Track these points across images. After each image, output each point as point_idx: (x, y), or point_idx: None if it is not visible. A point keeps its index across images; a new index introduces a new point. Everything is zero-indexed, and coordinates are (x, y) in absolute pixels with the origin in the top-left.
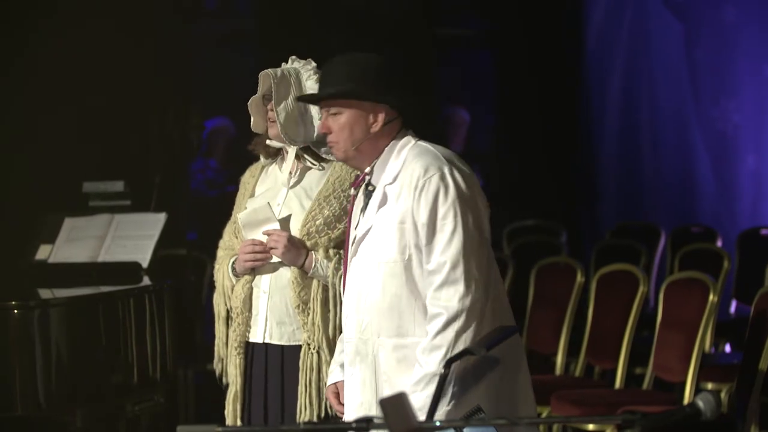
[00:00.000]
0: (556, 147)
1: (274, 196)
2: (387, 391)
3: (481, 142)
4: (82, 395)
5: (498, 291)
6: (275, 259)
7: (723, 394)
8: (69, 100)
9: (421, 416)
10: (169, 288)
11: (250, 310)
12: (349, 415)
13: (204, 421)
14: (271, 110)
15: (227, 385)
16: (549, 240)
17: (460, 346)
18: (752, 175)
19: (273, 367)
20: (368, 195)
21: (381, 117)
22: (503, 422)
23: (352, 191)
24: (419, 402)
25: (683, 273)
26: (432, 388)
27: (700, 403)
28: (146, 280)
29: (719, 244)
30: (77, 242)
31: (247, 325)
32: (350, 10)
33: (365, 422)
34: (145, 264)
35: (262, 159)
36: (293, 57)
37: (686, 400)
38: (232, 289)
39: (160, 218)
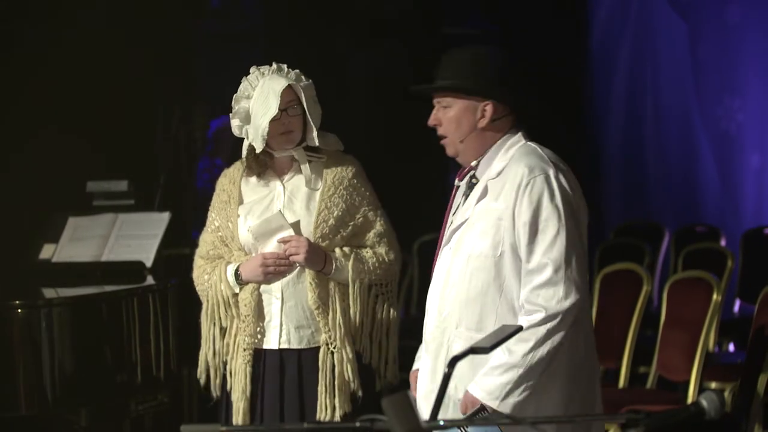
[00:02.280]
0: (560, 146)
1: (270, 203)
2: (452, 386)
3: None
4: (86, 395)
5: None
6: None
7: (727, 394)
8: (72, 98)
9: (490, 402)
10: (173, 287)
11: (260, 317)
12: (419, 401)
13: (208, 421)
14: (289, 118)
15: (221, 396)
16: None
17: (547, 347)
18: (756, 174)
19: (289, 372)
20: (470, 187)
21: (488, 113)
22: (507, 421)
23: (456, 182)
24: (490, 386)
25: (687, 272)
26: (509, 376)
27: (704, 403)
28: (150, 280)
29: (723, 243)
30: (81, 241)
31: (258, 333)
32: (356, 9)
33: (369, 422)
34: (149, 263)
35: (239, 166)
36: (254, 68)
37: (690, 400)
38: (232, 297)
39: (164, 218)
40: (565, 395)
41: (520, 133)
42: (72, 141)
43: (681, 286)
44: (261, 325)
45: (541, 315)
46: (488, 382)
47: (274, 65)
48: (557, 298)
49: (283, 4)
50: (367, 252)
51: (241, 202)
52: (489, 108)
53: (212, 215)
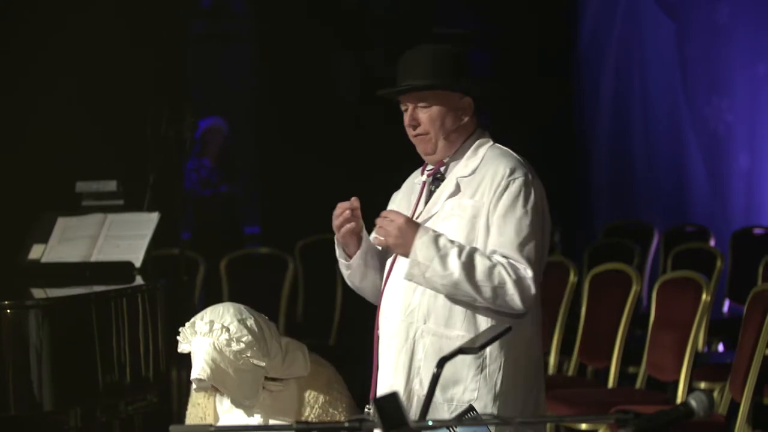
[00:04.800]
0: (549, 146)
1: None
2: (417, 381)
3: None
4: (76, 395)
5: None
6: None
7: (716, 394)
8: (62, 99)
9: (413, 257)
10: (162, 287)
11: None
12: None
13: None
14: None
15: None
16: None
17: (490, 289)
18: (745, 174)
19: None
20: (436, 184)
21: (470, 108)
22: (496, 421)
23: (423, 177)
24: (429, 251)
25: (676, 272)
26: (449, 262)
27: (693, 403)
28: (139, 280)
29: (712, 243)
30: (70, 242)
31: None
32: (345, 9)
33: (358, 422)
34: (138, 263)
35: None
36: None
37: (679, 400)
38: None
39: (153, 218)
40: (534, 392)
41: (486, 133)
42: (61, 141)
43: (670, 286)
44: None
45: (512, 284)
46: (451, 259)
47: (205, 327)
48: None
49: (272, 5)
50: None
51: (217, 419)
52: (469, 103)
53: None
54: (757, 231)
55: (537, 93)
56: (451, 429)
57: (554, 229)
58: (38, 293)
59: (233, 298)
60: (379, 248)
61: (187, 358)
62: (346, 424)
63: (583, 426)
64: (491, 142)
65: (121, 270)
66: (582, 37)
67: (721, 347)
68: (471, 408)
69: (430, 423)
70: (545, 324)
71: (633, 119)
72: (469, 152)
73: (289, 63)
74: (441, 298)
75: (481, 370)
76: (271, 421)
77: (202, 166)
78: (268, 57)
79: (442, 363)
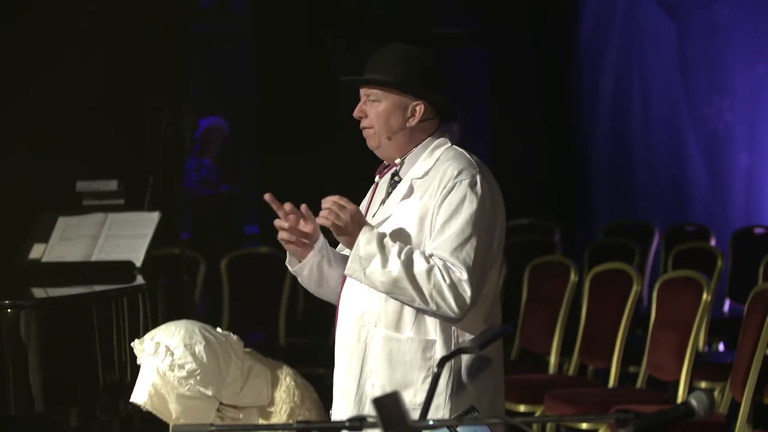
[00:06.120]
0: (550, 146)
1: None
2: (369, 384)
3: (475, 141)
4: (76, 394)
5: (488, 308)
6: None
7: (716, 393)
8: (63, 98)
9: (354, 257)
10: (163, 287)
11: None
12: (336, 399)
13: None
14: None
15: None
16: (543, 239)
17: (426, 289)
18: (745, 173)
19: None
20: (393, 185)
21: (419, 112)
22: (497, 421)
23: (377, 178)
24: (370, 250)
25: (677, 272)
26: (390, 264)
27: (694, 402)
28: (139, 279)
29: (713, 243)
30: (71, 241)
31: None
32: (347, 9)
33: (358, 421)
34: (138, 263)
35: None
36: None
37: (680, 399)
38: None
39: (154, 217)
40: (482, 386)
41: (445, 137)
42: (62, 141)
43: (671, 285)
44: None
45: (450, 292)
46: (372, 247)
47: (151, 347)
48: (463, 289)
49: (272, 4)
50: None
51: None
52: (420, 108)
53: None
54: (758, 231)
55: (536, 93)
56: (451, 429)
57: (554, 228)
58: (39, 293)
59: (233, 298)
60: (342, 253)
61: None
62: (347, 424)
63: (584, 425)
64: (448, 144)
65: (121, 269)
66: (582, 37)
67: (721, 347)
68: (472, 408)
69: (431, 423)
70: (545, 324)
71: (633, 119)
72: (425, 154)
73: (289, 63)
74: (390, 301)
75: (431, 373)
76: None
77: (202, 165)
78: (268, 57)
79: (442, 363)
